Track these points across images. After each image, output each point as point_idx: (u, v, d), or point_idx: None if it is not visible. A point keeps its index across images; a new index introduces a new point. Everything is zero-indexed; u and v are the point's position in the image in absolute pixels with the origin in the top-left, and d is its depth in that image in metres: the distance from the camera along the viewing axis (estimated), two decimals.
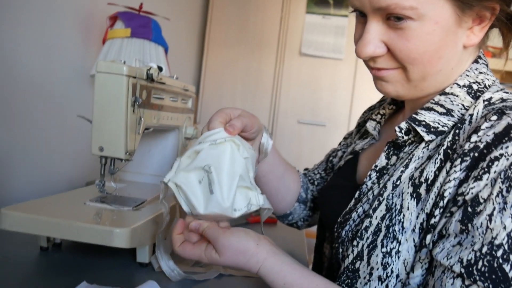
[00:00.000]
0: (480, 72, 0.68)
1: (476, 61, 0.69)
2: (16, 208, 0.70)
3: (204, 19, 2.89)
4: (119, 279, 0.70)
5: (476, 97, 0.66)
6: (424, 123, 0.66)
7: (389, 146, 0.72)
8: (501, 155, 0.54)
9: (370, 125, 0.84)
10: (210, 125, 0.70)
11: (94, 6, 1.39)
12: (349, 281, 0.66)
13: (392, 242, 0.63)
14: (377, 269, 0.63)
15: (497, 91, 0.66)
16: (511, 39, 0.69)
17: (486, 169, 0.55)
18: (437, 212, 0.59)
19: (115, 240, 0.65)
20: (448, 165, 0.60)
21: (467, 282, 0.53)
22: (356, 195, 0.73)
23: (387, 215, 0.64)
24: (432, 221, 0.59)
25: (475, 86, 0.66)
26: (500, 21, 0.65)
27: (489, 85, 0.67)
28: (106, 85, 0.75)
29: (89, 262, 0.75)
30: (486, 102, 0.64)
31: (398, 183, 0.66)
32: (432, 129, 0.66)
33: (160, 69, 0.89)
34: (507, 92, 0.66)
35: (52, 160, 1.25)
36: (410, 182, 0.64)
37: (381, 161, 0.72)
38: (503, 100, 0.64)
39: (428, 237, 0.60)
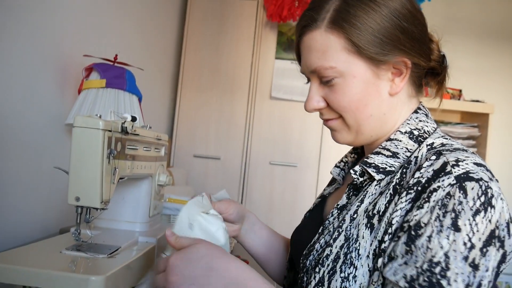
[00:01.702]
0: (420, 120, 0.80)
1: (416, 112, 0.81)
2: None
3: (177, 64, 2.97)
4: None
5: (418, 141, 0.77)
6: (374, 164, 0.77)
7: (349, 188, 0.83)
8: (439, 187, 0.64)
9: (335, 171, 0.95)
10: None
11: (71, 57, 1.45)
12: None
13: (349, 268, 0.70)
14: None
15: (439, 137, 0.77)
16: (440, 87, 0.84)
17: (426, 199, 0.64)
18: (386, 238, 0.68)
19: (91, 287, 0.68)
20: (396, 198, 0.70)
21: None
22: (320, 230, 0.82)
23: (345, 244, 0.73)
24: (383, 246, 0.68)
25: (416, 132, 0.78)
26: (418, 72, 0.79)
27: (428, 131, 0.79)
28: (83, 138, 0.80)
29: None
30: (429, 146, 0.75)
31: (355, 216, 0.75)
32: (381, 170, 0.77)
33: (133, 119, 0.94)
34: (447, 138, 0.78)
35: (26, 207, 1.27)
36: (365, 215, 0.73)
37: (343, 200, 0.82)
38: (443, 144, 0.75)
39: (380, 260, 0.67)
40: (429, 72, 0.82)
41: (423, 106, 0.83)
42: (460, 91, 3.15)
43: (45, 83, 1.33)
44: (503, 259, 0.64)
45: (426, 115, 0.82)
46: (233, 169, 2.84)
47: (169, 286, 0.67)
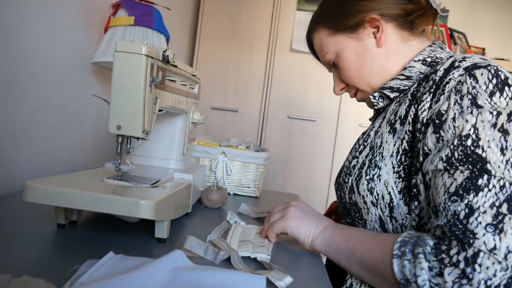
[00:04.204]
0: (433, 51, 0.87)
1: (430, 46, 0.89)
2: (41, 181, 0.70)
3: (196, 13, 2.90)
4: (137, 253, 0.71)
5: (430, 66, 0.84)
6: (389, 87, 0.87)
7: (374, 115, 0.97)
8: (450, 79, 0.69)
9: (373, 97, 0.94)
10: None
11: None
12: (357, 214, 0.82)
13: (373, 170, 0.78)
14: (366, 195, 0.77)
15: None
16: (428, 24, 0.90)
17: (441, 92, 0.69)
18: (421, 136, 0.71)
19: (141, 211, 0.66)
20: (414, 101, 0.76)
21: (451, 171, 0.62)
22: (349, 153, 0.92)
23: (370, 152, 0.81)
24: (419, 145, 0.71)
25: (428, 59, 0.86)
26: (398, 19, 0.87)
27: (441, 57, 0.85)
28: (125, 64, 0.76)
29: (105, 237, 0.76)
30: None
31: (378, 129, 0.85)
32: (395, 89, 0.86)
33: None
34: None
35: (54, 145, 1.25)
36: (387, 124, 0.82)
37: (369, 127, 0.93)
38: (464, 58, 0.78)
39: (421, 159, 0.70)
40: (415, 15, 0.87)
41: (439, 43, 0.90)
42: (484, 49, 3.06)
43: (70, 20, 1.28)
44: None
45: (441, 48, 0.88)
46: (251, 122, 2.81)
47: (286, 213, 0.84)
